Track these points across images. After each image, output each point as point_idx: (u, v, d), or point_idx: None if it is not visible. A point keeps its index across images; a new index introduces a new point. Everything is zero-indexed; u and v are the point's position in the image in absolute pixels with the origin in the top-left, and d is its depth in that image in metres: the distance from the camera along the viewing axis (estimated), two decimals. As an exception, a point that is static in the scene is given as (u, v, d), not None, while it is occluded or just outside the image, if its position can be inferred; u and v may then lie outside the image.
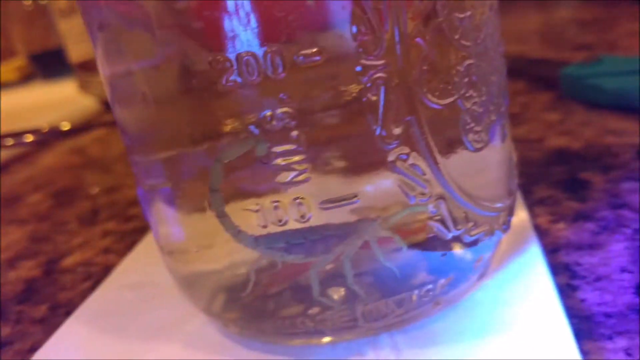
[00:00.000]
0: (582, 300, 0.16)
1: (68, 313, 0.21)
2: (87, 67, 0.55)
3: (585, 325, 0.15)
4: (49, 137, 0.48)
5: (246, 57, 0.13)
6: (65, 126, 0.49)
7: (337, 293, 0.16)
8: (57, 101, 0.66)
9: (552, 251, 0.19)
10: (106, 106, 0.55)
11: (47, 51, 0.79)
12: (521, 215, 0.21)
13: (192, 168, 0.15)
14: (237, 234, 0.15)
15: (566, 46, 0.56)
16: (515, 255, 0.18)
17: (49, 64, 0.80)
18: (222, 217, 0.15)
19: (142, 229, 0.28)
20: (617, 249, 0.18)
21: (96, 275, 0.24)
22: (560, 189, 0.23)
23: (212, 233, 0.16)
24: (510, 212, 0.17)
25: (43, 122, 0.50)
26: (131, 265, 0.24)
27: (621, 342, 0.14)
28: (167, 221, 0.17)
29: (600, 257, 0.18)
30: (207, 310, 0.17)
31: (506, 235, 0.18)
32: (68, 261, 0.26)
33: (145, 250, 0.25)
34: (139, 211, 0.30)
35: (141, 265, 0.24)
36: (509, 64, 0.17)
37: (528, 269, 0.17)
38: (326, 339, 0.16)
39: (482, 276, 0.17)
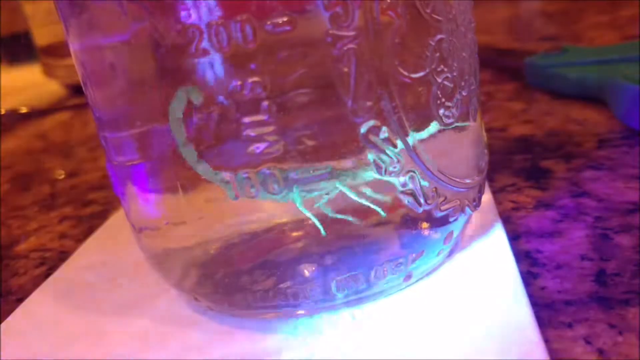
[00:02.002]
0: (543, 288, 0.16)
1: (20, 300, 0.20)
2: (52, 52, 0.54)
3: (545, 313, 0.15)
4: (7, 121, 0.47)
5: (215, 26, 0.12)
6: (24, 110, 0.48)
7: (309, 268, 0.16)
8: (22, 85, 0.64)
9: (513, 238, 0.19)
10: (71, 90, 0.55)
11: (13, 35, 0.77)
12: (486, 197, 0.21)
13: (163, 143, 0.15)
14: (222, 181, 0.14)
15: (532, 37, 0.57)
16: (481, 236, 0.18)
17: (15, 47, 0.78)
18: (198, 166, 0.14)
19: (101, 214, 0.27)
20: (578, 236, 0.18)
21: (50, 261, 0.23)
22: (523, 177, 0.23)
23: (184, 209, 0.16)
24: (480, 189, 0.17)
25: (6, 106, 0.49)
26: (91, 249, 0.23)
27: (581, 330, 0.14)
28: (138, 198, 0.17)
29: (561, 245, 0.18)
30: (178, 285, 0.17)
31: (475, 214, 0.18)
32: (21, 247, 0.26)
33: (105, 234, 0.25)
34: (98, 196, 0.30)
35: (102, 248, 0.23)
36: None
37: (493, 252, 0.17)
38: (299, 312, 0.16)
39: (452, 252, 0.17)
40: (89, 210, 0.28)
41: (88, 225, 0.26)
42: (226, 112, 0.13)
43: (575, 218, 0.19)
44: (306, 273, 0.16)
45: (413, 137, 0.14)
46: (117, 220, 0.25)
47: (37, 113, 0.49)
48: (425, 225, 0.16)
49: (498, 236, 0.18)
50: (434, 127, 0.15)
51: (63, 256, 0.23)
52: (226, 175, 0.14)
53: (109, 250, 0.22)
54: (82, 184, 0.32)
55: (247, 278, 0.17)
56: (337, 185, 0.14)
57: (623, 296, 0.15)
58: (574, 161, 0.24)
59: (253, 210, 0.15)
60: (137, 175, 0.16)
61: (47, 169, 0.37)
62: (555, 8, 0.75)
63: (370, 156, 0.14)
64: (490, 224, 0.19)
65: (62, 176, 0.35)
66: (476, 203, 0.17)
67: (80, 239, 0.25)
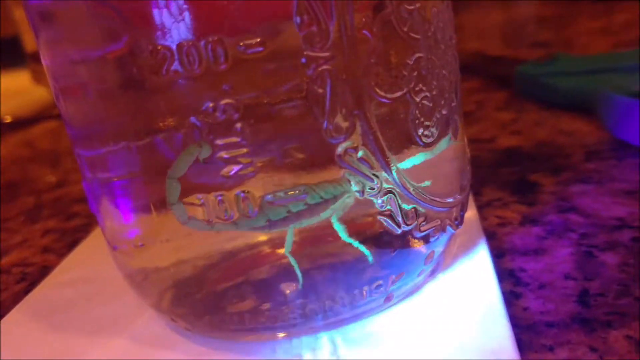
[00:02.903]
0: (525, 309, 0.16)
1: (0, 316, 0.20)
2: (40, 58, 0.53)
3: (527, 335, 0.15)
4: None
5: (187, 47, 0.12)
6: (7, 119, 0.47)
7: (290, 288, 0.15)
8: (11, 91, 0.64)
9: (498, 256, 0.18)
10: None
11: (3, 40, 0.76)
12: (471, 214, 0.20)
13: (136, 162, 0.15)
14: (208, 225, 0.14)
15: (524, 43, 0.57)
16: (465, 254, 0.18)
17: (4, 53, 0.77)
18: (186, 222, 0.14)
19: (85, 227, 0.27)
20: (563, 254, 0.18)
21: (32, 277, 0.23)
22: (509, 191, 0.23)
23: (158, 229, 0.15)
24: (463, 207, 0.17)
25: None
26: (73, 264, 0.23)
27: (562, 354, 0.14)
28: (112, 216, 0.16)
29: (545, 262, 0.18)
30: (156, 306, 0.17)
31: (459, 232, 0.18)
32: (4, 261, 0.25)
33: (88, 248, 0.24)
34: (83, 208, 0.29)
35: (84, 263, 0.23)
36: (465, 62, 0.17)
37: (476, 272, 0.17)
38: (279, 335, 0.16)
39: (434, 272, 0.17)
40: (73, 223, 0.28)
41: (72, 238, 0.26)
42: (199, 134, 0.13)
43: (560, 235, 0.19)
44: (287, 292, 0.15)
45: (391, 158, 0.14)
46: (99, 235, 0.25)
47: (25, 121, 0.48)
48: (404, 246, 0.15)
49: (481, 255, 0.18)
50: (413, 147, 0.14)
51: (45, 271, 0.23)
52: (199, 197, 0.13)
53: (90, 266, 0.22)
54: (67, 196, 0.32)
55: (226, 299, 0.16)
56: (316, 198, 0.14)
57: (605, 317, 0.15)
58: (563, 174, 0.24)
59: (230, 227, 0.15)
60: (110, 193, 0.16)
61: (33, 178, 0.37)
62: (550, 12, 0.75)
63: (347, 177, 0.14)
64: (474, 242, 0.19)
65: (53, 180, 0.34)
66: (458, 221, 0.17)
67: (64, 253, 0.24)
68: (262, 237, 0.16)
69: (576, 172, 0.24)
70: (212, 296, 0.16)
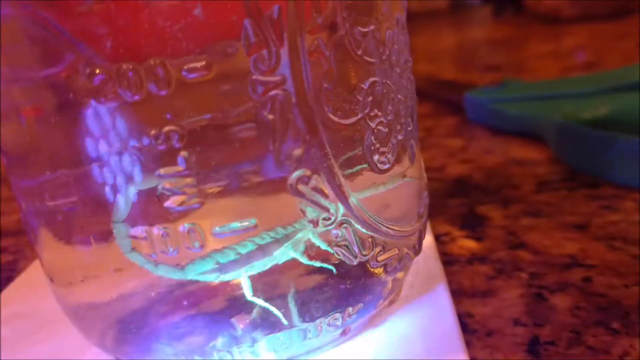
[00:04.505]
0: None
1: None
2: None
3: None
4: None
5: (126, 71, 0.11)
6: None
7: (242, 321, 0.15)
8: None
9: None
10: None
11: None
12: (429, 241, 0.20)
13: (74, 192, 0.14)
14: (154, 266, 0.13)
15: (475, 67, 0.57)
16: (422, 282, 0.17)
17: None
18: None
19: (11, 265, 0.25)
20: (511, 296, 0.17)
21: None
22: (458, 225, 0.23)
23: (98, 262, 0.14)
24: (421, 235, 0.17)
25: None
26: (8, 300, 0.22)
27: None
28: (52, 248, 0.15)
29: (494, 306, 0.17)
30: (100, 344, 0.16)
31: (416, 259, 0.17)
32: None
33: (25, 283, 0.23)
34: (10, 243, 0.28)
35: (21, 299, 0.22)
36: (416, 86, 0.17)
37: (434, 302, 0.16)
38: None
39: (392, 302, 0.16)
40: (3, 259, 0.26)
41: (5, 276, 0.24)
42: (140, 164, 0.12)
43: (510, 274, 0.18)
44: (238, 327, 0.15)
45: (346, 186, 0.13)
46: (38, 267, 0.24)
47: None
48: (362, 276, 0.15)
49: (439, 281, 0.17)
50: (368, 174, 0.14)
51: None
52: (140, 231, 0.13)
53: (28, 302, 0.21)
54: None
55: (173, 335, 0.15)
56: (266, 238, 0.13)
57: (557, 370, 0.14)
58: (512, 206, 0.23)
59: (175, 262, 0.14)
60: (48, 224, 0.15)
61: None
62: (500, 35, 0.76)
63: (301, 207, 0.13)
64: (432, 269, 0.18)
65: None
66: (416, 249, 0.16)
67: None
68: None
69: (526, 204, 0.23)
70: (158, 332, 0.15)
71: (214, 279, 0.13)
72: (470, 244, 0.21)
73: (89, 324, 0.16)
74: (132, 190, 0.12)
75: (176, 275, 0.13)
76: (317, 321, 0.14)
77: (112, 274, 0.15)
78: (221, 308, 0.16)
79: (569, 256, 0.19)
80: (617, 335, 0.15)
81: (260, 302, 0.14)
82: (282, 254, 0.13)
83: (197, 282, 0.16)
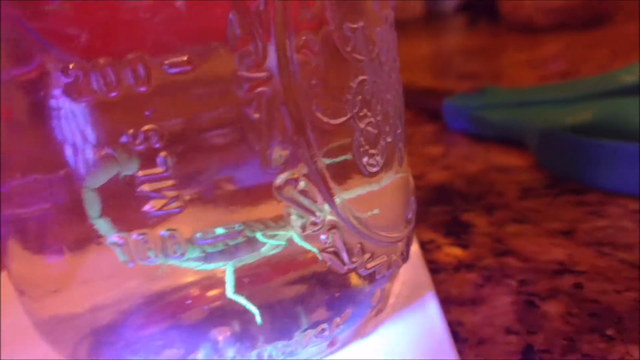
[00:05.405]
0: None
1: None
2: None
3: None
4: None
5: (103, 66, 0.11)
6: None
7: (222, 334, 0.14)
8: None
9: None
10: None
11: None
12: (414, 249, 0.19)
13: (47, 198, 0.13)
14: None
15: (452, 74, 0.57)
16: (409, 290, 0.17)
17: None
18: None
19: None
20: (502, 304, 0.17)
21: None
22: (442, 233, 0.22)
23: (70, 272, 0.14)
24: (409, 241, 0.16)
25: None
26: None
27: None
28: (22, 258, 0.14)
29: (484, 315, 0.16)
30: (72, 358, 0.15)
31: (403, 267, 0.16)
32: None
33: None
34: None
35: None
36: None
37: (422, 311, 0.16)
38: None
39: (380, 311, 0.16)
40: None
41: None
42: (117, 166, 0.11)
43: (498, 281, 0.18)
44: (219, 339, 0.14)
45: (335, 189, 0.13)
46: (4, 279, 0.23)
47: None
48: (350, 285, 0.14)
49: (427, 289, 0.17)
50: (357, 177, 0.13)
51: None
52: (118, 237, 0.12)
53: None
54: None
55: (150, 349, 0.15)
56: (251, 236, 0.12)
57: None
58: (496, 213, 0.23)
59: (155, 268, 0.13)
60: (18, 232, 0.14)
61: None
62: (476, 44, 0.77)
63: (287, 211, 0.12)
64: (419, 277, 0.17)
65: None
66: (404, 256, 0.16)
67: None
68: (191, 278, 0.15)
69: (511, 211, 0.23)
70: (134, 346, 0.15)
71: (196, 267, 0.12)
72: (456, 252, 0.20)
73: (61, 337, 0.15)
74: (110, 173, 0.12)
75: (146, 259, 0.12)
76: (305, 331, 0.14)
77: (84, 284, 0.14)
78: (201, 319, 0.15)
79: (557, 262, 0.19)
80: (612, 342, 0.14)
81: (240, 299, 0.13)
82: (267, 250, 0.12)
83: (175, 293, 0.15)
